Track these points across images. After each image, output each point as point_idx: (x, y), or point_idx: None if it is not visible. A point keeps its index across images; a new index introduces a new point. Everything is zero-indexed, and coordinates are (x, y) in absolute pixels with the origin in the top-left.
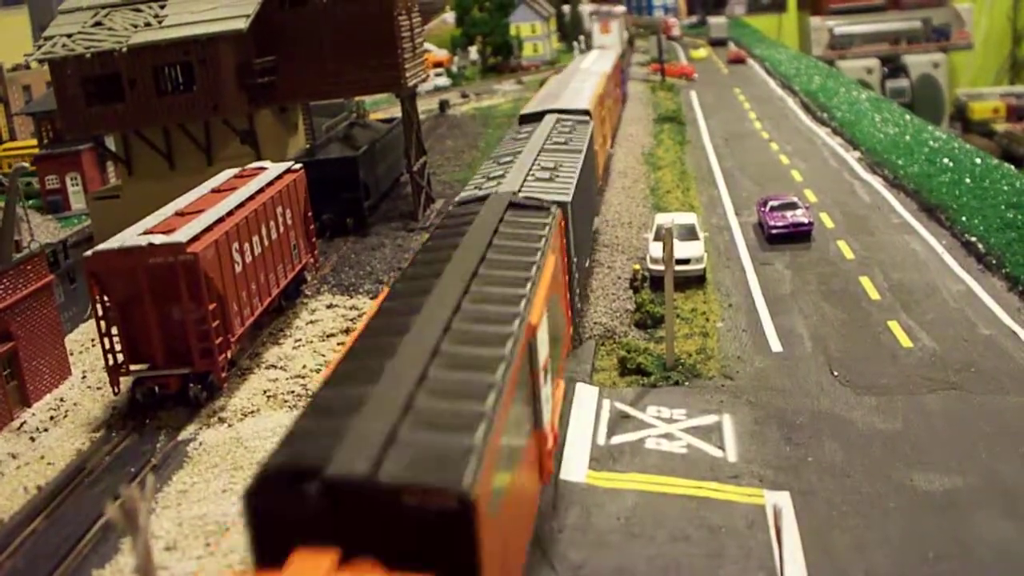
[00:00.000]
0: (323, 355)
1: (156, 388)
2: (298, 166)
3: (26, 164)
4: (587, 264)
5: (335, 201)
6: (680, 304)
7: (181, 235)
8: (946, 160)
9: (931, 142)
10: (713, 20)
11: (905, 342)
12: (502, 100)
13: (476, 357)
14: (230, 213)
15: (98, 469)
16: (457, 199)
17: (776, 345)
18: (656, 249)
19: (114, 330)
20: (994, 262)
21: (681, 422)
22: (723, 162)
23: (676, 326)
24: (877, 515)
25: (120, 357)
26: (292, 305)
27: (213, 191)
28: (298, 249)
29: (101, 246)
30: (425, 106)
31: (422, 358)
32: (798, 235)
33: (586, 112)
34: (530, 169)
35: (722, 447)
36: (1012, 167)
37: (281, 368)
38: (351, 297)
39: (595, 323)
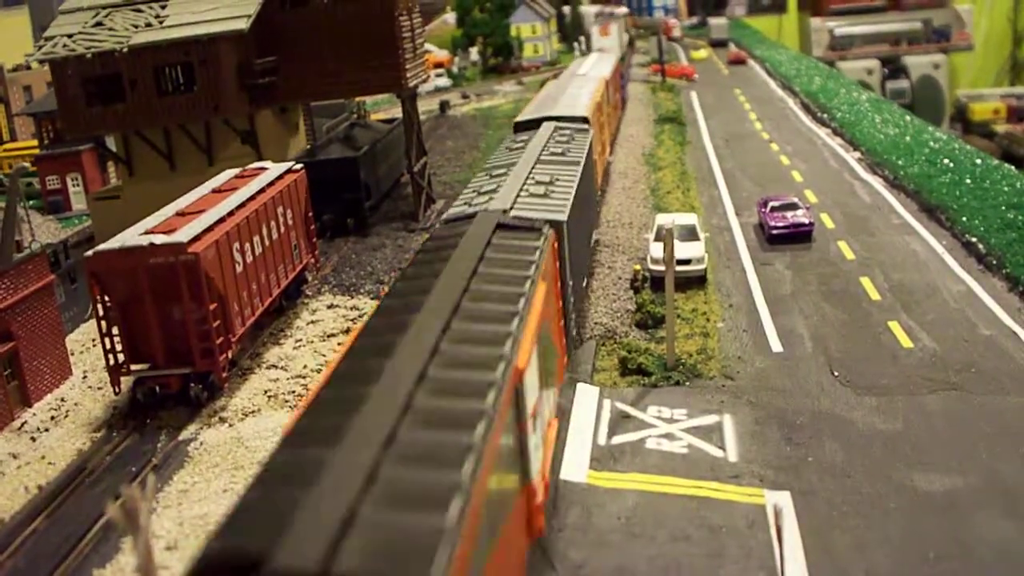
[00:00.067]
0: (323, 355)
1: (157, 388)
2: (299, 166)
3: (27, 164)
4: (584, 284)
5: (336, 201)
6: (681, 304)
7: (182, 235)
8: (946, 161)
9: (931, 143)
10: (713, 21)
11: (905, 342)
12: (502, 101)
13: (454, 412)
14: (231, 213)
15: (99, 469)
16: (445, 216)
17: (776, 345)
18: (657, 249)
19: (115, 330)
20: (994, 262)
21: (682, 422)
22: (723, 163)
23: (677, 326)
24: (877, 515)
25: (121, 357)
26: (293, 305)
27: (214, 191)
28: (299, 249)
29: (102, 246)
30: (426, 107)
31: (392, 414)
32: (798, 235)
33: (584, 120)
34: (523, 184)
35: (723, 447)
36: (1012, 168)
37: (282, 368)
38: (352, 297)
39: (596, 323)
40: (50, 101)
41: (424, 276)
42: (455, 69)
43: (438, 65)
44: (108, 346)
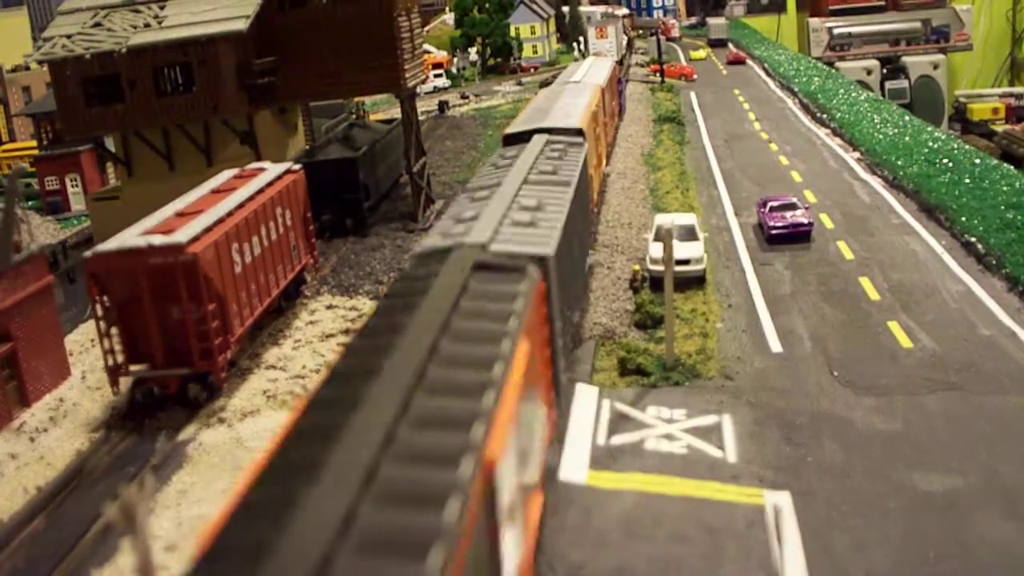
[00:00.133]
0: (322, 355)
1: (156, 388)
2: (298, 167)
3: (26, 165)
4: (578, 319)
5: (335, 202)
6: (680, 304)
7: (181, 236)
8: (945, 161)
9: (930, 143)
10: (712, 21)
11: (905, 342)
12: (502, 101)
13: (406, 530)
14: (230, 214)
15: (98, 469)
16: (417, 250)
17: (776, 345)
18: (656, 250)
19: (113, 330)
20: (994, 262)
21: (681, 422)
22: (723, 163)
23: (676, 326)
24: (877, 515)
25: (120, 357)
26: (292, 306)
27: (213, 192)
28: (298, 250)
29: (101, 247)
30: (425, 107)
31: (328, 531)
32: (798, 236)
33: (579, 132)
34: (507, 210)
35: (722, 447)
36: (1011, 167)
37: (281, 368)
38: (351, 298)
39: (595, 323)
40: (49, 102)
41: (386, 332)
42: (454, 69)
43: (437, 65)
44: (107, 347)
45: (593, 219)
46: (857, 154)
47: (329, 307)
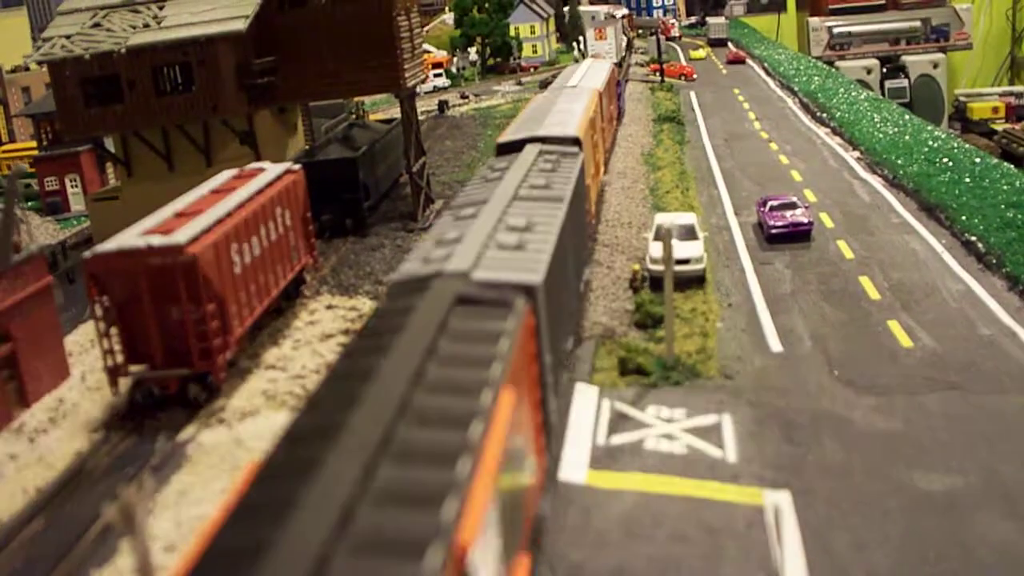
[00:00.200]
0: (322, 355)
1: (155, 389)
2: (297, 167)
3: (25, 166)
4: (571, 347)
5: (334, 202)
6: (680, 304)
7: (180, 236)
8: (945, 160)
9: (930, 142)
10: (712, 20)
11: (905, 342)
12: (501, 101)
13: None
14: (229, 214)
15: (97, 470)
16: (393, 277)
17: (776, 345)
18: (656, 249)
19: (113, 331)
20: (994, 261)
21: (681, 422)
22: (723, 162)
23: (676, 326)
24: (877, 515)
25: (119, 358)
26: (291, 306)
27: (212, 192)
28: (297, 250)
29: (100, 247)
30: (424, 107)
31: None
32: (798, 235)
33: (575, 141)
34: (493, 230)
35: (722, 447)
36: (1011, 166)
37: (280, 369)
38: (350, 298)
39: (595, 323)
40: (48, 102)
41: (354, 378)
42: (454, 69)
43: (437, 65)
44: (106, 347)
45: (590, 232)
46: (857, 153)
47: (329, 307)
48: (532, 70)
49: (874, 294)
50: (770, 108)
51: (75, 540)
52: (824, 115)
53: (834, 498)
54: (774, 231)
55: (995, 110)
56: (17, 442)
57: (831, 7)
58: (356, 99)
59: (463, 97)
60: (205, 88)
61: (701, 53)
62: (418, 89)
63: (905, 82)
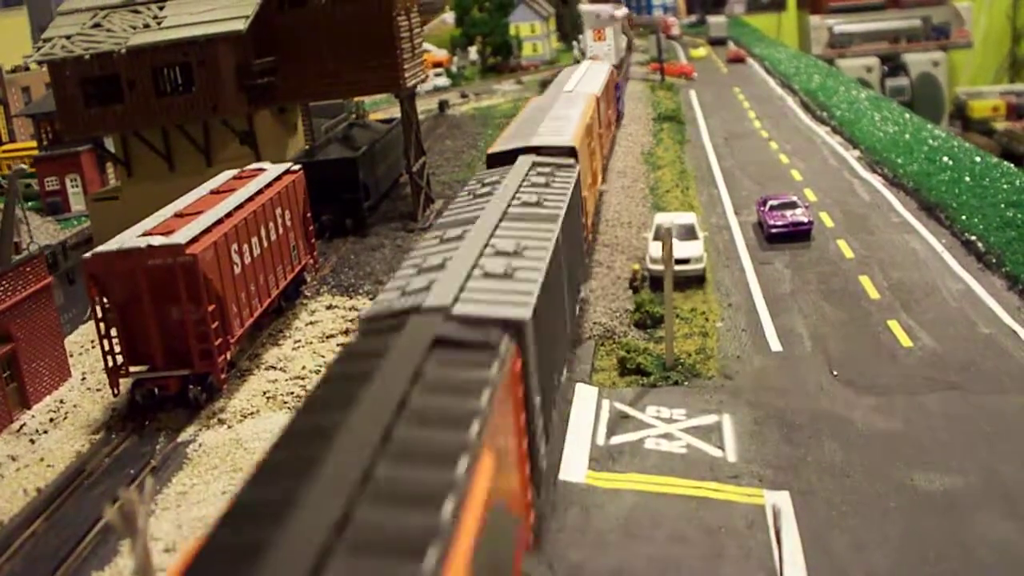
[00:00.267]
0: (322, 356)
1: (156, 389)
2: (297, 167)
3: (25, 166)
4: (562, 382)
5: (334, 202)
6: (679, 304)
7: (180, 237)
8: (946, 158)
9: (931, 140)
10: (712, 19)
11: (905, 341)
12: (502, 100)
13: None
14: (229, 214)
15: (98, 471)
16: (367, 312)
17: (776, 345)
18: (656, 249)
19: (113, 332)
20: (994, 261)
21: (681, 422)
22: (723, 161)
23: (675, 326)
24: (877, 515)
25: (120, 359)
26: (291, 306)
27: (212, 192)
28: (297, 250)
29: (100, 248)
30: (424, 106)
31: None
32: (798, 234)
33: (571, 151)
34: (479, 256)
35: (721, 447)
36: (1012, 165)
37: (280, 369)
38: (351, 298)
39: (595, 323)
40: (49, 102)
41: (312, 440)
42: (454, 68)
43: (437, 65)
44: (107, 348)
45: (587, 247)
46: (857, 152)
47: (329, 307)
48: (532, 69)
49: (874, 294)
50: (770, 107)
51: (76, 541)
52: (824, 114)
53: (834, 498)
54: (774, 230)
55: (995, 109)
56: (18, 443)
57: (831, 6)
58: (356, 99)
59: (463, 96)
60: (205, 88)
61: (701, 52)
62: (418, 89)
63: (906, 80)
